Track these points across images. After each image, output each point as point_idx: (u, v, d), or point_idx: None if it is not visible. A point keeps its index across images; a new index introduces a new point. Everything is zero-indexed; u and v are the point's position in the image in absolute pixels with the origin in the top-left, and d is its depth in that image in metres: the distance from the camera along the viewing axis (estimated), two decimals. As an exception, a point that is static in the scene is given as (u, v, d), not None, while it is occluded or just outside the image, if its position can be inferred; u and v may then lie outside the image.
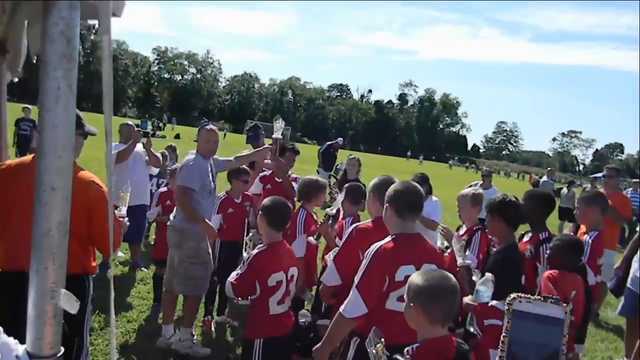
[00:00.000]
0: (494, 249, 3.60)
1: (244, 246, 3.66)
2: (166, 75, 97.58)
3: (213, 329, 5.17)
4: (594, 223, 4.44)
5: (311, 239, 4.52)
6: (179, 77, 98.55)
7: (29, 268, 2.50)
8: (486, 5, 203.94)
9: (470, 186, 10.54)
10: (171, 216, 4.72)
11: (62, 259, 1.11)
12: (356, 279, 2.69)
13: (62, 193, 1.06)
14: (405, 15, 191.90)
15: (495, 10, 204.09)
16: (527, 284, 3.62)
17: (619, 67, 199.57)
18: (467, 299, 3.37)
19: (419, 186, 2.91)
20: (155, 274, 5.61)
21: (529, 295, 2.96)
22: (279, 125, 4.94)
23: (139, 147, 6.50)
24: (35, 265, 1.09)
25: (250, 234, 3.82)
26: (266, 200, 3.48)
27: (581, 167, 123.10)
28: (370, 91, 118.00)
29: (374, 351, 2.15)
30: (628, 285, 5.15)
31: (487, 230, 3.94)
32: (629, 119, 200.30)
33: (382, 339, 2.18)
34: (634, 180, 16.39)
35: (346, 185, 4.75)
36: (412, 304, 2.12)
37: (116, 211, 3.47)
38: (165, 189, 5.95)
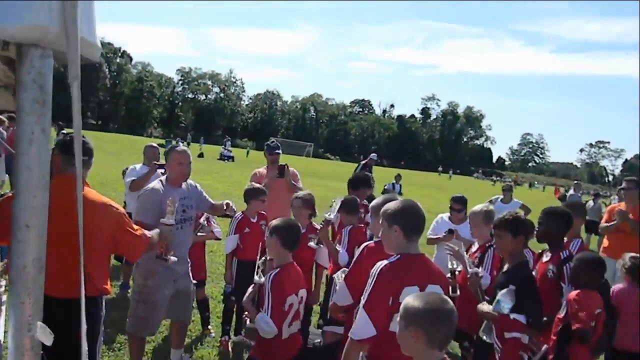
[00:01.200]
0: (505, 267, 3.57)
1: (256, 269, 3.60)
2: (190, 95, 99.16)
3: (230, 349, 5.20)
4: (576, 231, 4.40)
5: (312, 243, 4.55)
6: (202, 97, 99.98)
7: (50, 292, 2.64)
8: (507, 17, 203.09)
9: (491, 201, 10.51)
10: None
11: (38, 294, 1.16)
12: (363, 300, 2.67)
13: (36, 231, 1.11)
14: (427, 30, 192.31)
15: (516, 22, 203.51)
16: (549, 305, 3.57)
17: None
18: (485, 308, 3.37)
19: (420, 205, 2.88)
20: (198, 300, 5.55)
21: None
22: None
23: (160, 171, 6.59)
24: (13, 299, 1.15)
25: (264, 258, 3.65)
26: (277, 221, 3.49)
27: (610, 177, 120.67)
28: (392, 106, 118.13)
29: None
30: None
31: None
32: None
33: None
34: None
35: (342, 198, 4.85)
36: (410, 328, 2.08)
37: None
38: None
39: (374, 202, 3.52)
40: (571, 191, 17.56)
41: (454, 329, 2.10)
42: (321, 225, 4.61)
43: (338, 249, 4.51)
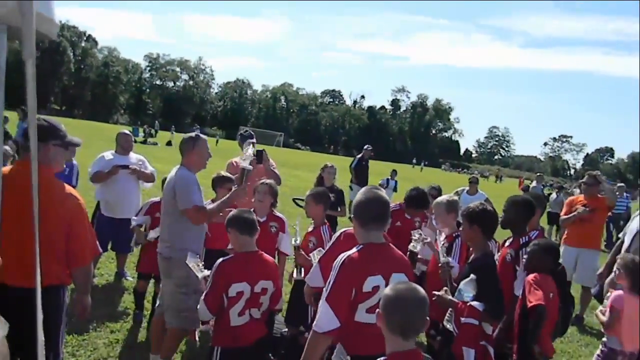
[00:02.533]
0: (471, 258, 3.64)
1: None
2: (158, 82, 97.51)
3: (197, 338, 5.14)
4: (535, 223, 4.52)
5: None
6: (171, 84, 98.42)
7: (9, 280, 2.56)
8: (477, 11, 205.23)
9: (457, 192, 10.67)
10: (156, 237, 4.52)
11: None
12: (325, 291, 2.65)
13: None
14: (398, 22, 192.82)
15: (485, 16, 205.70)
16: (505, 288, 3.68)
17: (609, 72, 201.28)
18: (448, 296, 3.43)
19: (381, 194, 2.87)
20: (135, 289, 5.50)
21: None
22: (249, 153, 4.31)
23: (133, 156, 6.40)
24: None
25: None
26: (230, 214, 3.51)
27: (572, 171, 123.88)
28: (363, 97, 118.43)
29: None
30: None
31: None
32: (620, 124, 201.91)
33: (348, 357, 2.23)
34: (619, 184, 16.53)
35: (310, 191, 4.84)
36: (379, 312, 2.14)
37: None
38: (157, 199, 5.43)
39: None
40: (534, 183, 17.94)
41: (418, 319, 2.09)
42: (295, 252, 4.53)
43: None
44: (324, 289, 2.67)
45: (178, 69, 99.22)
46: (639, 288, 3.83)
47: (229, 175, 5.36)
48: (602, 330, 4.18)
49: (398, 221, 5.00)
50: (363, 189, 3.53)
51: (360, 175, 14.00)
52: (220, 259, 3.37)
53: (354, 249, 2.73)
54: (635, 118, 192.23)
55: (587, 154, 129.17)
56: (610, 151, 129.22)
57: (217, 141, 53.32)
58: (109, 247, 6.39)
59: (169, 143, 36.65)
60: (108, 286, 6.35)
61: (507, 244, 4.13)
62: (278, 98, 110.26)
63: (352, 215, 2.87)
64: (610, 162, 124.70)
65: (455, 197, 4.40)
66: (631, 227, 4.93)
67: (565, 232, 7.08)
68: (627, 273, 3.87)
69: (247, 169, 4.18)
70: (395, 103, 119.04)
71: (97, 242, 3.28)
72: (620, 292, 3.94)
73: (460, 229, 3.75)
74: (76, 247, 2.98)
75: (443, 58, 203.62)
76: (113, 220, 6.17)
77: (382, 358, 2.14)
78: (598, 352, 4.18)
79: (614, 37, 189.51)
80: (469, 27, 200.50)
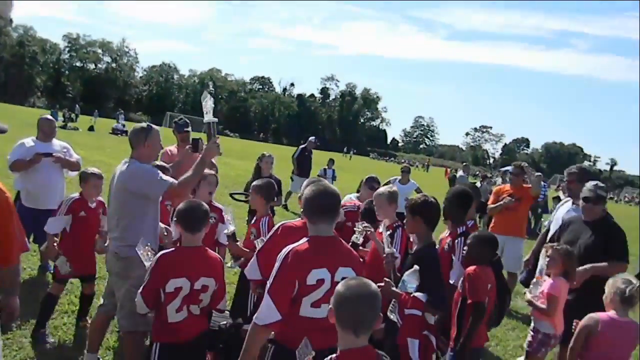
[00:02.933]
0: (414, 248, 3.72)
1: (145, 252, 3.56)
2: (78, 64, 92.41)
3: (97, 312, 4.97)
4: (472, 212, 4.74)
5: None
6: (92, 66, 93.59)
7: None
8: (402, 2, 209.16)
9: (389, 182, 10.88)
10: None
11: None
12: (268, 283, 2.63)
13: None
14: (325, 10, 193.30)
15: (411, 7, 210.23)
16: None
17: (527, 66, 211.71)
18: (392, 287, 3.48)
19: (330, 188, 2.86)
20: (50, 293, 4.85)
21: None
22: (209, 104, 4.18)
23: (57, 143, 6.01)
24: None
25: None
26: (180, 205, 3.37)
27: (491, 160, 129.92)
28: (292, 85, 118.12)
29: None
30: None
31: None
32: (535, 116, 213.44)
33: (313, 352, 2.21)
34: (537, 174, 17.48)
35: (255, 182, 4.80)
36: (331, 309, 2.13)
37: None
38: (77, 195, 4.84)
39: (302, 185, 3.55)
40: (460, 172, 18.58)
41: (370, 315, 2.08)
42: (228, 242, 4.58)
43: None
44: (268, 281, 2.64)
45: (100, 51, 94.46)
46: (568, 275, 4.09)
47: (163, 164, 5.17)
48: (531, 315, 4.40)
49: (350, 222, 4.85)
50: (309, 181, 3.52)
51: (302, 166, 13.75)
52: (161, 252, 3.26)
53: (301, 241, 2.71)
54: (549, 110, 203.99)
55: (505, 144, 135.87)
56: (526, 141, 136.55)
57: (142, 127, 51.51)
58: (31, 239, 6.01)
59: (91, 128, 34.91)
60: (31, 281, 5.99)
61: (446, 233, 4.25)
62: (206, 83, 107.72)
63: (303, 210, 2.85)
64: (526, 152, 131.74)
65: (396, 188, 4.47)
66: (557, 216, 5.21)
67: (493, 221, 7.39)
68: (562, 262, 4.08)
69: (213, 121, 4.09)
70: (324, 91, 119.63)
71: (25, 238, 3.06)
72: (555, 280, 4.11)
73: (405, 220, 3.80)
74: (4, 245, 2.72)
75: (371, 48, 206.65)
76: (34, 211, 5.76)
77: (333, 355, 2.13)
78: (529, 338, 4.33)
79: (533, 32, 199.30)
80: (396, 18, 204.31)
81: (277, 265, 2.64)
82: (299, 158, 13.86)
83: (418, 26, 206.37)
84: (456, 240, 4.12)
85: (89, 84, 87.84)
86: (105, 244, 4.90)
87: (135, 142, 3.96)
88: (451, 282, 4.05)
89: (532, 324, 4.34)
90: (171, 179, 3.85)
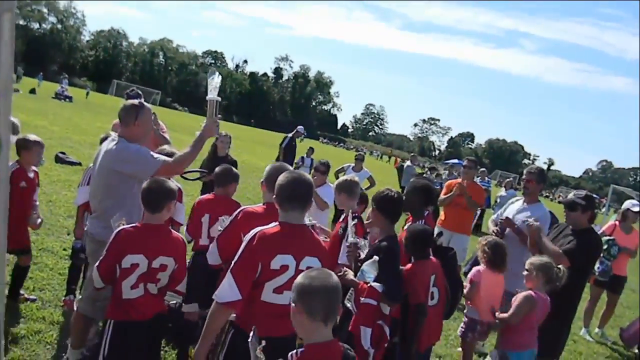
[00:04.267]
0: (376, 240, 3.74)
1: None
2: (21, 22, 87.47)
3: (75, 308, 4.82)
4: None
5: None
6: (36, 26, 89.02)
7: None
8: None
9: (342, 168, 10.94)
10: (86, 221, 4.00)
11: None
12: (232, 263, 2.62)
13: None
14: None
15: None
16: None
17: (475, 62, 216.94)
18: (349, 276, 3.51)
19: (304, 176, 2.85)
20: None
21: None
22: (215, 82, 3.95)
23: None
24: None
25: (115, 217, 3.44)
26: (145, 183, 3.26)
27: (437, 152, 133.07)
28: (245, 62, 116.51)
29: (256, 354, 2.17)
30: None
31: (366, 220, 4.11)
32: (480, 112, 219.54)
33: (263, 341, 2.20)
34: (481, 169, 18.04)
35: (216, 169, 4.67)
36: (295, 304, 2.09)
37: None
38: (14, 163, 4.51)
39: (265, 170, 3.47)
40: (408, 162, 18.88)
41: (336, 303, 2.12)
42: None
43: None
44: (232, 261, 2.62)
45: (45, 10, 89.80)
46: (494, 265, 4.36)
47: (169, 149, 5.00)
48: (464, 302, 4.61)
49: None
50: (274, 167, 3.47)
51: (288, 154, 13.56)
52: (120, 227, 3.16)
53: (270, 225, 2.70)
54: (495, 107, 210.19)
55: (451, 137, 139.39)
56: (471, 136, 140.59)
57: (87, 93, 49.58)
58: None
59: (32, 91, 33.23)
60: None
61: (406, 226, 4.29)
62: (156, 53, 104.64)
63: (273, 194, 2.82)
64: (470, 146, 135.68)
65: (357, 179, 4.48)
66: (506, 213, 5.37)
67: (443, 215, 7.57)
68: (488, 252, 4.38)
69: (216, 99, 3.88)
70: (277, 71, 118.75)
71: None
72: (479, 267, 4.45)
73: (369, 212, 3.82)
74: None
75: (326, 32, 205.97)
76: None
77: (300, 350, 2.11)
78: (462, 323, 4.65)
79: (483, 29, 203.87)
80: (352, 4, 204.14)
81: (242, 245, 2.62)
82: (286, 147, 13.66)
83: (374, 14, 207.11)
84: None
85: (32, 44, 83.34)
86: (39, 220, 4.72)
87: (125, 120, 3.72)
88: None
89: (465, 310, 4.63)
90: (164, 157, 3.69)
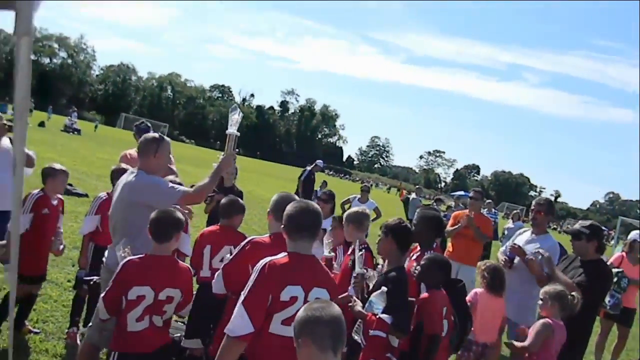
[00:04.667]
0: (384, 270, 3.70)
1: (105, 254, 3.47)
2: (32, 57, 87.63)
3: (79, 341, 4.76)
4: None
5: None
6: (47, 60, 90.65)
7: None
8: (363, 23, 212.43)
9: (348, 200, 10.92)
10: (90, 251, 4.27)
11: None
12: (242, 295, 2.57)
13: None
14: (288, 24, 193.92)
15: (371, 29, 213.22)
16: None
17: (479, 95, 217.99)
18: (357, 307, 3.46)
19: (313, 206, 2.85)
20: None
21: None
22: (236, 117, 4.07)
23: (5, 142, 5.34)
24: None
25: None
26: (154, 213, 3.26)
27: (443, 184, 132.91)
28: (252, 95, 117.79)
29: None
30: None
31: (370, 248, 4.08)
32: (485, 144, 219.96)
33: None
34: (487, 201, 17.98)
35: (222, 200, 4.68)
36: (299, 339, 2.06)
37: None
38: (38, 191, 4.59)
39: (271, 199, 3.49)
40: (413, 195, 18.88)
41: (343, 331, 2.09)
42: None
43: None
44: (242, 292, 2.59)
45: (56, 45, 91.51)
46: (492, 289, 4.46)
47: (129, 167, 5.04)
48: None
49: None
50: (282, 197, 3.48)
51: (307, 188, 13.56)
52: (127, 258, 3.14)
53: (279, 255, 2.68)
54: (500, 140, 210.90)
55: (457, 169, 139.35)
56: (476, 168, 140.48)
57: (95, 126, 50.19)
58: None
59: (41, 124, 33.66)
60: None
61: (413, 256, 4.25)
62: (164, 87, 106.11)
63: (281, 225, 2.83)
64: (476, 178, 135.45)
65: (367, 211, 4.47)
66: (517, 242, 5.31)
67: (450, 246, 7.51)
68: (487, 276, 4.52)
69: (235, 134, 4.01)
70: (284, 105, 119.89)
71: None
72: (477, 289, 4.58)
73: (377, 241, 3.79)
74: None
75: (331, 65, 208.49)
76: None
77: None
78: None
79: (485, 62, 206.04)
80: (356, 38, 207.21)
81: (253, 276, 2.59)
82: (305, 181, 13.65)
83: (377, 47, 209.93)
84: None
85: (43, 78, 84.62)
86: (62, 246, 4.75)
87: (144, 152, 3.82)
88: None
89: None
90: (184, 188, 3.79)
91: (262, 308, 2.55)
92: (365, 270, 3.65)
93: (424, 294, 3.72)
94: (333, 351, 2.04)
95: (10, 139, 5.30)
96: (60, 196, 4.75)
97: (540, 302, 4.17)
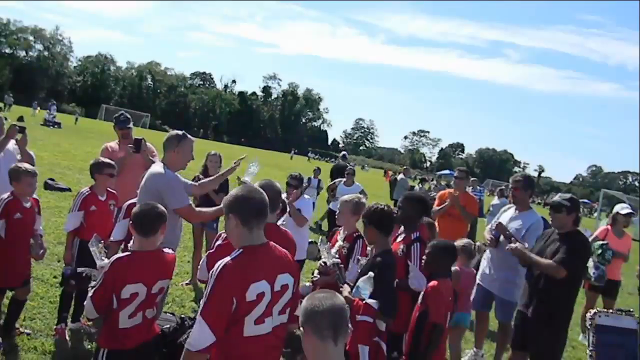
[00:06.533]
0: (371, 255, 3.72)
1: (98, 252, 3.42)
2: (7, 50, 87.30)
3: (68, 337, 4.74)
4: None
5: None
6: (22, 53, 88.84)
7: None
8: (343, 5, 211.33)
9: (334, 183, 10.89)
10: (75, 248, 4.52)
11: None
12: (201, 305, 2.40)
13: None
14: (267, 8, 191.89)
15: (352, 10, 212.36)
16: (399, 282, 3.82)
17: (461, 73, 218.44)
18: (345, 293, 3.48)
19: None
20: None
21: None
22: (252, 170, 4.43)
23: (11, 143, 5.20)
24: None
25: (92, 239, 3.47)
26: (136, 207, 3.24)
27: (428, 163, 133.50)
28: (234, 82, 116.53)
29: None
30: (477, 281, 5.57)
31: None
32: (469, 122, 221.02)
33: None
34: (474, 179, 18.09)
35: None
36: (302, 328, 2.09)
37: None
38: (8, 195, 4.29)
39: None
40: (401, 175, 18.91)
41: (343, 321, 2.11)
42: None
43: None
44: (200, 302, 2.44)
45: (32, 38, 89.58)
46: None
47: (107, 160, 4.98)
48: None
49: None
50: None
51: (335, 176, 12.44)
52: (115, 257, 3.09)
53: (234, 254, 2.48)
54: (483, 117, 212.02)
55: (442, 148, 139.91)
56: (461, 147, 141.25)
57: (76, 119, 49.36)
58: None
59: (20, 119, 32.88)
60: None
61: (399, 238, 4.28)
62: (144, 77, 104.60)
63: (230, 214, 2.59)
64: (460, 156, 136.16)
65: (364, 200, 4.46)
66: (500, 221, 5.36)
67: (437, 226, 7.53)
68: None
69: (247, 181, 4.29)
70: (266, 90, 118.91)
71: None
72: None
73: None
74: None
75: (312, 49, 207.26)
76: None
77: None
78: None
79: (467, 41, 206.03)
80: (337, 20, 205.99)
81: (210, 283, 2.39)
82: (331, 177, 12.66)
83: (358, 29, 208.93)
84: (412, 246, 4.13)
85: (20, 72, 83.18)
86: (42, 250, 4.53)
87: (167, 147, 4.16)
88: (412, 288, 4.06)
89: None
90: (189, 201, 4.21)
91: (223, 315, 2.38)
92: (338, 260, 3.67)
93: (432, 282, 3.72)
94: (334, 340, 2.06)
95: (16, 140, 5.18)
96: (35, 196, 4.49)
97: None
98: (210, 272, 2.44)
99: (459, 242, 4.90)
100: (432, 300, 3.62)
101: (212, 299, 2.37)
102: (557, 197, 4.80)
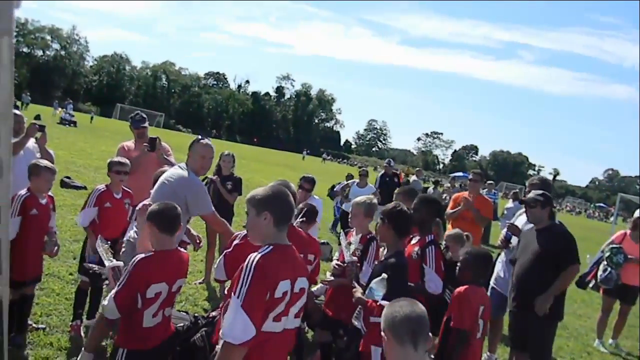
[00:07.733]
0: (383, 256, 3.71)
1: (105, 252, 3.45)
2: (25, 50, 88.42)
3: (83, 334, 4.78)
4: None
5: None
6: (40, 53, 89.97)
7: None
8: (357, 5, 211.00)
9: (347, 184, 10.89)
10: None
11: None
12: (238, 298, 2.32)
13: None
14: (281, 9, 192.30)
15: (365, 11, 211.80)
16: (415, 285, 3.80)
17: (475, 75, 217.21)
18: (358, 294, 3.47)
19: (285, 191, 2.65)
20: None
21: None
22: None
23: (31, 141, 5.22)
24: None
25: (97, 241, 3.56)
26: (154, 206, 3.24)
27: (441, 165, 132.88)
28: (247, 82, 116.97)
29: None
30: (492, 285, 5.55)
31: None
32: (484, 124, 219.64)
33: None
34: (489, 182, 17.96)
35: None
36: (383, 333, 2.25)
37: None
38: (25, 191, 4.27)
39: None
40: (414, 177, 18.84)
41: (423, 328, 2.22)
42: None
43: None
44: (236, 295, 2.35)
45: (49, 37, 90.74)
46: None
47: (117, 159, 5.03)
48: None
49: None
50: (272, 183, 3.43)
51: (385, 194, 11.24)
52: (139, 257, 3.06)
53: (265, 250, 2.46)
54: (497, 119, 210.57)
55: (455, 150, 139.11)
56: (475, 149, 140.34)
57: (91, 118, 49.89)
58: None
59: (37, 117, 33.32)
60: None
61: (413, 240, 4.25)
62: (159, 76, 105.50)
63: (264, 211, 2.55)
64: (474, 159, 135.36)
65: (375, 200, 4.45)
66: (516, 224, 5.32)
67: (450, 229, 7.48)
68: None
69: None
70: (279, 90, 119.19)
71: None
72: None
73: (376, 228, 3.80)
74: None
75: (326, 49, 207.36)
76: None
77: None
78: None
79: (481, 42, 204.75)
80: (351, 21, 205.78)
81: (247, 276, 2.35)
82: (381, 188, 11.82)
83: (372, 30, 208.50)
84: (427, 249, 4.09)
85: (36, 71, 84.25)
86: (56, 248, 4.51)
87: (189, 150, 4.29)
88: (429, 291, 4.02)
89: None
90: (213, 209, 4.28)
91: (262, 308, 2.36)
92: (355, 259, 3.66)
93: (461, 287, 3.70)
94: (413, 346, 2.18)
95: (36, 139, 5.24)
96: (50, 193, 4.50)
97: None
98: (246, 265, 2.39)
99: (449, 232, 5.02)
100: (457, 305, 3.61)
101: (253, 291, 2.33)
102: (530, 194, 4.91)
